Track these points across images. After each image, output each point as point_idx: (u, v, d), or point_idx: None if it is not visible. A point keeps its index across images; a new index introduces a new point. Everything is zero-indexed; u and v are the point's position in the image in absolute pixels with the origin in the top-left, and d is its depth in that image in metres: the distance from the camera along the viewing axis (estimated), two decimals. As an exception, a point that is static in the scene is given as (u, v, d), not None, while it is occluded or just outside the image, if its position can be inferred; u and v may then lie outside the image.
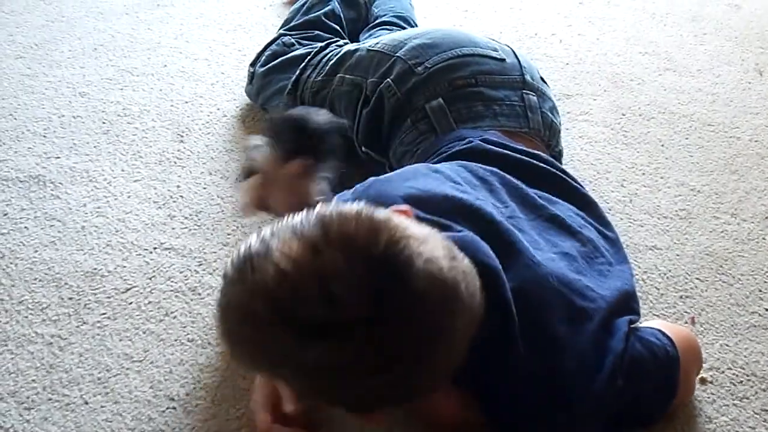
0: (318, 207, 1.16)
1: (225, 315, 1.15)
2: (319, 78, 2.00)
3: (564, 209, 1.58)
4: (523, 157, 1.66)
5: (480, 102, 1.79)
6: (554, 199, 1.59)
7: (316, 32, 2.23)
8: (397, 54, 1.89)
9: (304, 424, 1.40)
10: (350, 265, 1.08)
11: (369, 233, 1.12)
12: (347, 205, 1.16)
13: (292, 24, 2.29)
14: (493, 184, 1.55)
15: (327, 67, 2.00)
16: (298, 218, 1.15)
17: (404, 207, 1.29)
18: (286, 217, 1.17)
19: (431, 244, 1.15)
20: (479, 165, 1.59)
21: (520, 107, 1.80)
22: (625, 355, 1.36)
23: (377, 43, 1.96)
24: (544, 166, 1.67)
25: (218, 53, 2.47)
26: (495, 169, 1.59)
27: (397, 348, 1.11)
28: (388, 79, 1.85)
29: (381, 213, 1.16)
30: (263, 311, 1.09)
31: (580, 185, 1.67)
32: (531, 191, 1.57)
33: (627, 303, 1.46)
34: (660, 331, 1.45)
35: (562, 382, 1.33)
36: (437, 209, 1.42)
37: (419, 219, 1.31)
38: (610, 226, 1.62)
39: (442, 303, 1.13)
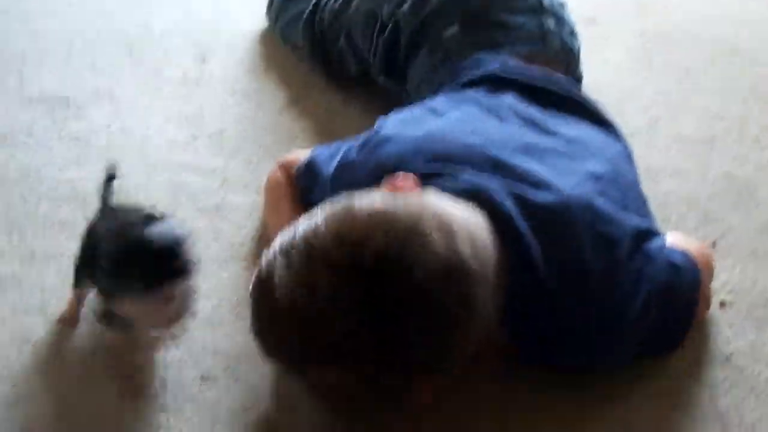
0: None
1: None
2: (337, 5, 1.99)
3: (583, 133, 1.58)
4: (541, 83, 1.66)
5: (497, 28, 1.78)
6: (573, 123, 1.59)
7: None
8: None
9: None
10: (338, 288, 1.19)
11: (354, 247, 1.20)
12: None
13: None
14: (504, 114, 1.56)
15: None
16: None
17: (402, 178, 1.33)
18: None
19: (427, 227, 1.21)
20: (490, 94, 1.60)
21: (538, 32, 1.79)
22: (657, 282, 1.38)
23: None
24: (562, 91, 1.66)
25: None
26: (508, 96, 1.59)
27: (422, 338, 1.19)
28: (404, 6, 1.84)
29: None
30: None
31: (601, 110, 1.67)
32: (548, 116, 1.58)
33: (650, 225, 1.47)
34: (684, 253, 1.46)
35: (595, 310, 1.34)
36: (443, 155, 1.44)
37: (423, 176, 1.36)
38: (629, 149, 1.63)
39: (452, 287, 1.20)
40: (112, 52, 2.14)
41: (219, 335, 1.51)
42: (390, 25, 1.86)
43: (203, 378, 1.45)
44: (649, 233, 1.43)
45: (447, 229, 1.22)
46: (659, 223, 1.56)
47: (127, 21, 2.24)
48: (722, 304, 1.58)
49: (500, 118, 1.54)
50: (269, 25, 2.22)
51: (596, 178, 1.45)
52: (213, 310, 1.55)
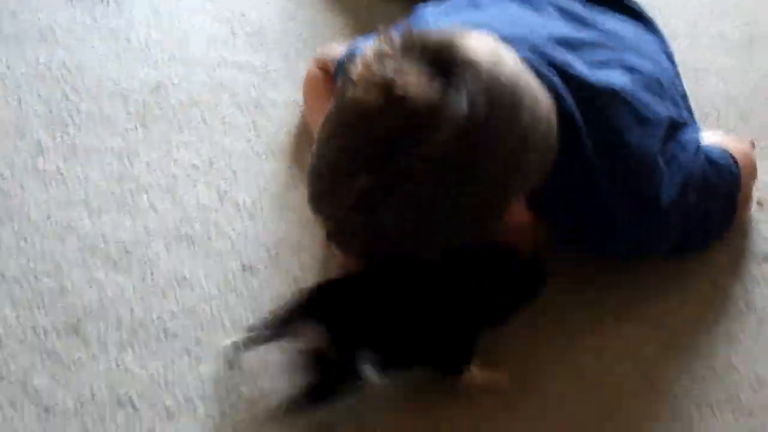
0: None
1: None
2: None
3: (622, 28, 1.57)
4: None
5: None
6: (611, 18, 1.58)
7: None
8: None
9: None
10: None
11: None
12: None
13: None
14: (542, 7, 1.55)
15: None
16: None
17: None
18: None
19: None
20: None
21: None
22: (694, 173, 1.38)
23: None
24: None
25: None
26: None
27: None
28: None
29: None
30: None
31: (640, 6, 1.66)
32: (587, 10, 1.56)
33: (686, 118, 1.47)
34: (723, 150, 1.46)
35: (636, 187, 1.35)
36: None
37: None
38: (668, 45, 1.63)
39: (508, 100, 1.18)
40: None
41: (259, 226, 1.53)
42: None
43: (244, 267, 1.48)
44: (684, 125, 1.43)
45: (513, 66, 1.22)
46: (699, 122, 1.55)
47: None
48: (759, 204, 1.58)
49: (539, 11, 1.53)
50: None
51: (633, 69, 1.44)
52: (253, 203, 1.57)
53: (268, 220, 1.54)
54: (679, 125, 1.42)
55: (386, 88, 1.13)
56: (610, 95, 1.36)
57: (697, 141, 1.43)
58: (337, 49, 1.64)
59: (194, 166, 1.63)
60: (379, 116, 1.15)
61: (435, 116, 1.13)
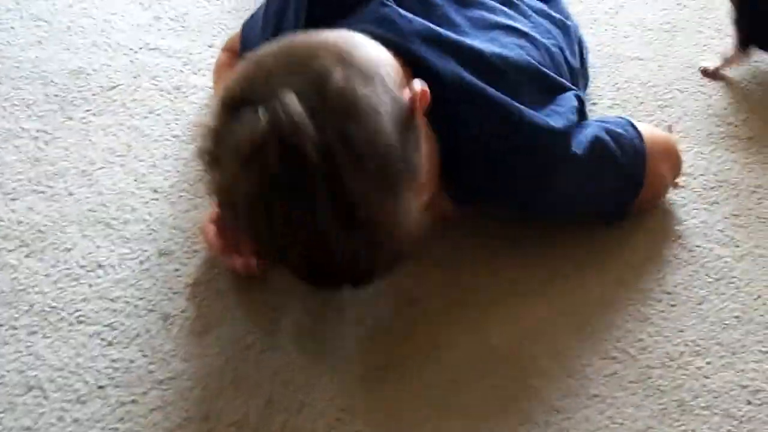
0: None
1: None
2: None
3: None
4: None
5: None
6: None
7: None
8: None
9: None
10: None
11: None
12: None
13: None
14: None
15: None
16: None
17: None
18: None
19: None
20: None
21: None
22: (587, 130, 1.42)
23: None
24: None
25: None
26: None
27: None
28: None
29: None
30: None
31: None
32: None
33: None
34: (629, 122, 1.48)
35: (524, 144, 1.37)
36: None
37: None
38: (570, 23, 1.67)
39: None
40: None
41: (176, 211, 1.53)
42: None
43: (160, 252, 1.47)
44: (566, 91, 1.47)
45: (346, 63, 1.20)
46: (619, 110, 1.57)
47: None
48: (675, 185, 1.60)
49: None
50: None
51: (521, 33, 1.48)
52: (171, 187, 1.56)
53: (185, 205, 1.53)
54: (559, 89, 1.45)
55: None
56: (497, 60, 1.40)
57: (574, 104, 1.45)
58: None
59: (112, 150, 1.61)
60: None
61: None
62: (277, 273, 1.39)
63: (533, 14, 1.57)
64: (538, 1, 1.64)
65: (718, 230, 1.55)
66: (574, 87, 1.49)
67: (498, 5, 1.54)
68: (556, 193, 1.41)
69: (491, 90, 1.36)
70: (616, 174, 1.46)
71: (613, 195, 1.49)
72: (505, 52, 1.42)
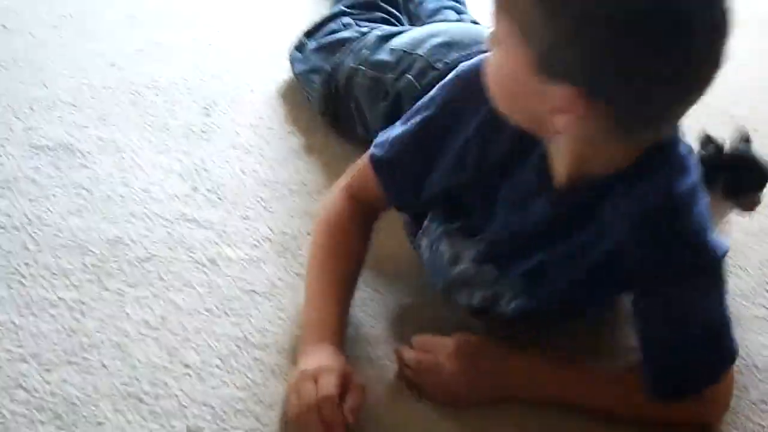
0: None
1: None
2: (348, 68, 2.04)
3: None
4: None
5: None
6: None
7: (375, 13, 2.24)
8: (416, 52, 1.92)
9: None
10: None
11: None
12: None
13: (352, 1, 2.27)
14: None
15: (360, 55, 2.03)
16: None
17: None
18: None
19: None
20: None
21: None
22: None
23: (400, 42, 1.99)
24: None
25: (250, 28, 2.51)
26: None
27: None
28: (408, 75, 1.89)
29: None
30: None
31: None
32: None
33: None
34: None
35: None
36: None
37: None
38: None
39: None
40: (118, 102, 2.18)
41: (208, 387, 1.54)
42: (394, 92, 1.90)
43: (189, 429, 1.48)
44: None
45: None
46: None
47: (135, 72, 2.29)
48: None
49: None
50: (276, 77, 2.27)
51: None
52: (202, 363, 1.58)
53: (216, 381, 1.55)
54: None
55: None
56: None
57: None
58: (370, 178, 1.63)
59: (146, 323, 1.64)
60: None
61: None
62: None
63: None
64: None
65: (744, 416, 1.56)
66: None
67: None
68: None
69: None
70: None
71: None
72: None
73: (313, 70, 2.14)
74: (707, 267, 1.41)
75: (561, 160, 1.39)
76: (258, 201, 1.92)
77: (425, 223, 1.64)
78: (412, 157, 1.56)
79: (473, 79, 1.43)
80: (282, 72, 2.29)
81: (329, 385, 1.42)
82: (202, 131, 2.11)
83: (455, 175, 1.52)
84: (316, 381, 1.43)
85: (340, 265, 1.61)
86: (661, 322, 1.44)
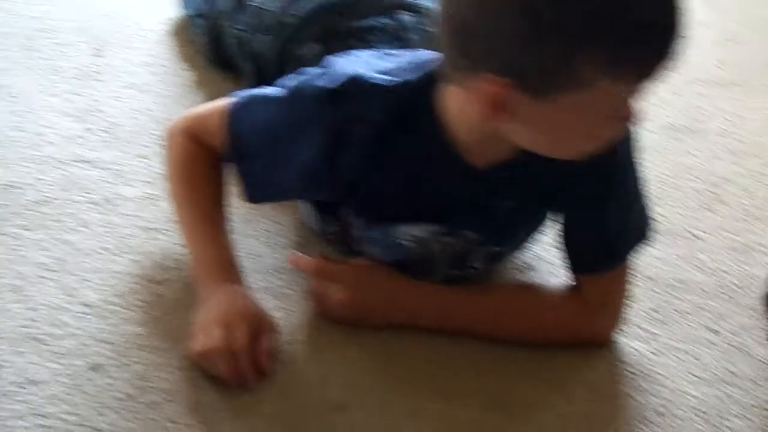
0: None
1: None
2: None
3: None
4: None
5: (352, 37, 1.75)
6: None
7: None
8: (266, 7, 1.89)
9: None
10: None
11: None
12: None
13: None
14: None
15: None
16: None
17: None
18: None
19: None
20: None
21: (393, 29, 1.77)
22: None
23: None
24: None
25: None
26: None
27: None
28: (258, 34, 1.88)
29: None
30: None
31: None
32: None
33: None
34: None
35: None
36: None
37: None
38: None
39: None
40: (7, 47, 2.15)
41: (106, 326, 1.54)
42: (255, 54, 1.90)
43: (92, 367, 1.48)
44: None
45: None
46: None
47: (24, 15, 2.25)
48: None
49: None
50: (168, 16, 2.25)
51: None
52: (102, 301, 1.58)
53: (116, 319, 1.55)
54: None
55: None
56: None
57: None
58: (214, 119, 1.58)
59: (44, 265, 1.63)
60: None
61: None
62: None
63: None
64: None
65: (635, 325, 1.61)
66: None
67: None
68: None
69: None
70: None
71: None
72: None
73: (198, 15, 2.13)
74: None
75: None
76: (153, 139, 1.91)
77: (347, 220, 1.62)
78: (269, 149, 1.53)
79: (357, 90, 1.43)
80: (173, 9, 2.26)
81: (242, 335, 1.43)
82: (95, 72, 2.09)
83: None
84: (226, 327, 1.44)
85: (209, 195, 1.58)
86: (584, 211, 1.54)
